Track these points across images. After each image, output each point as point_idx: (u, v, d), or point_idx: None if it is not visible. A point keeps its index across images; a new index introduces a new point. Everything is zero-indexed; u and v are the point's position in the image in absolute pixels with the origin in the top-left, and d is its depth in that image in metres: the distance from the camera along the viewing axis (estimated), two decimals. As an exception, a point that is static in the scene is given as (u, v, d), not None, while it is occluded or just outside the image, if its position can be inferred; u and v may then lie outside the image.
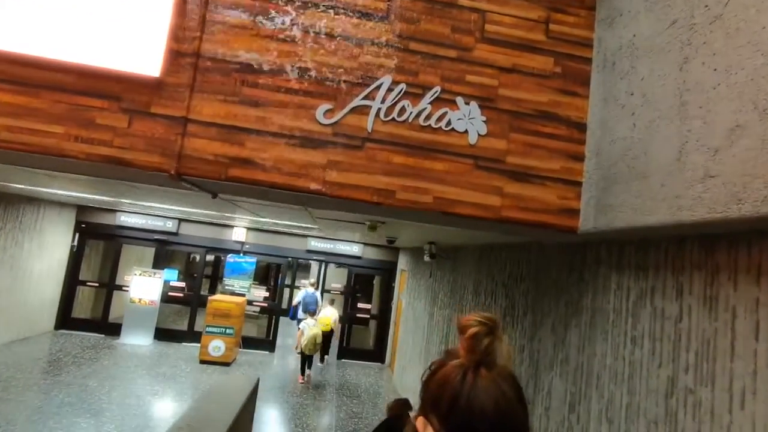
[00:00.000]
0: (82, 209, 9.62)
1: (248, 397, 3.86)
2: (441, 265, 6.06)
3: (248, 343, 9.56)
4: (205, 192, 2.68)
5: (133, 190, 4.30)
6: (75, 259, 9.62)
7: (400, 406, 1.89)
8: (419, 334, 6.97)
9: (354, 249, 10.12)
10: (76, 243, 9.61)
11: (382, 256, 10.35)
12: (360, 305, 10.58)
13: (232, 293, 9.42)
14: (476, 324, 0.89)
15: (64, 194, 5.85)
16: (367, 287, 13.61)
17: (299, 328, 7.66)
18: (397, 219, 2.81)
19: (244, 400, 3.69)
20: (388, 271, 10.41)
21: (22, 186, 5.61)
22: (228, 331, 8.50)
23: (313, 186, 2.17)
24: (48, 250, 8.95)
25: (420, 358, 6.70)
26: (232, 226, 9.84)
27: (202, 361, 8.37)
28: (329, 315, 8.29)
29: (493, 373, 0.83)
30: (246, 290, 9.58)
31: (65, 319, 9.48)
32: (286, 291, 11.88)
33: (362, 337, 13.12)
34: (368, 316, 10.72)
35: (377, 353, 10.17)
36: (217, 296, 9.09)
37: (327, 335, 8.05)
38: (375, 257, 10.35)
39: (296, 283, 12.10)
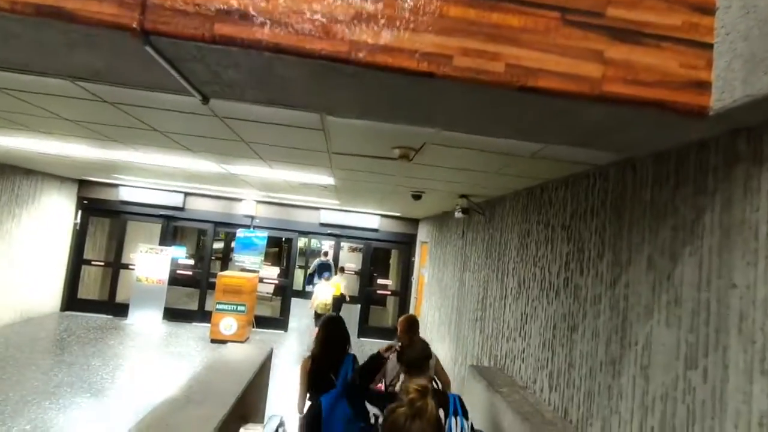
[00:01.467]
0: (83, 184, 9.13)
1: (260, 367, 3.28)
2: (474, 224, 5.39)
3: (261, 323, 9.05)
4: (192, 87, 2.03)
5: (129, 136, 3.70)
6: (79, 237, 9.17)
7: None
8: (447, 305, 6.33)
9: (370, 221, 9.48)
10: (79, 220, 9.14)
11: (401, 228, 9.70)
12: (379, 281, 9.97)
13: (243, 270, 8.89)
14: (414, 391, 1.73)
15: (55, 155, 5.29)
16: (384, 262, 13.00)
17: (313, 292, 8.22)
18: (446, 123, 2.13)
19: (254, 371, 3.11)
20: (407, 245, 9.76)
21: None
22: (240, 308, 7.98)
23: (335, 48, 1.51)
24: (49, 228, 8.49)
25: (449, 329, 6.08)
26: (240, 200, 9.27)
27: (214, 341, 7.88)
28: (339, 281, 8.67)
29: (423, 421, 1.66)
30: (257, 266, 9.04)
31: (71, 300, 9.07)
32: (299, 275, 11.33)
33: (380, 316, 12.58)
34: (388, 293, 10.11)
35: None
36: (227, 272, 8.56)
37: (338, 299, 8.43)
38: (393, 229, 9.70)
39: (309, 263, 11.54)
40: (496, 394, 3.20)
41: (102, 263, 9.43)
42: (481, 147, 2.76)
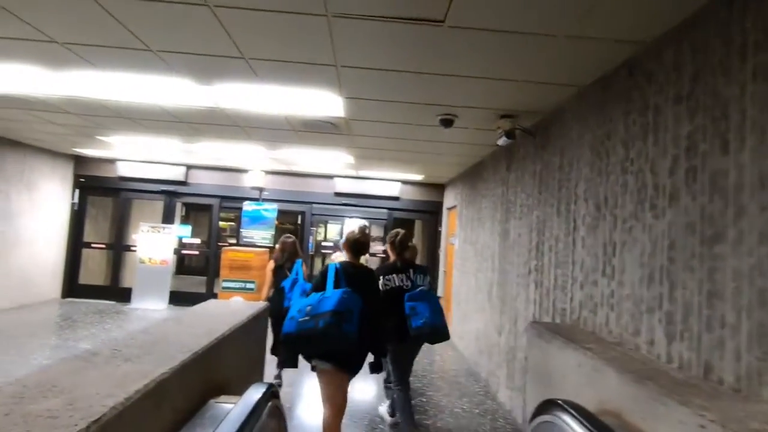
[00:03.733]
0: (79, 162, 8.47)
1: (246, 322, 2.37)
2: (519, 159, 4.36)
3: (275, 303, 8.22)
4: None
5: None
6: (77, 219, 8.52)
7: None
8: (486, 268, 5.33)
9: (390, 188, 8.51)
10: (77, 200, 8.48)
11: (425, 195, 8.70)
12: (401, 255, 8.98)
13: (253, 246, 8.07)
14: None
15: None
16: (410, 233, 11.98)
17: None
18: None
19: (236, 324, 2.20)
20: (432, 214, 8.76)
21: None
22: (249, 285, 7.16)
23: None
24: (43, 208, 7.84)
25: (489, 296, 5.08)
26: (246, 170, 8.45)
27: (221, 322, 7.08)
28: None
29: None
30: (268, 241, 8.20)
31: (72, 286, 8.44)
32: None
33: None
34: (412, 268, 9.12)
35: (425, 310, 8.61)
36: (233, 247, 7.76)
37: None
38: (416, 197, 8.71)
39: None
40: (583, 352, 2.21)
41: (103, 245, 8.76)
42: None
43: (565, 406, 1.87)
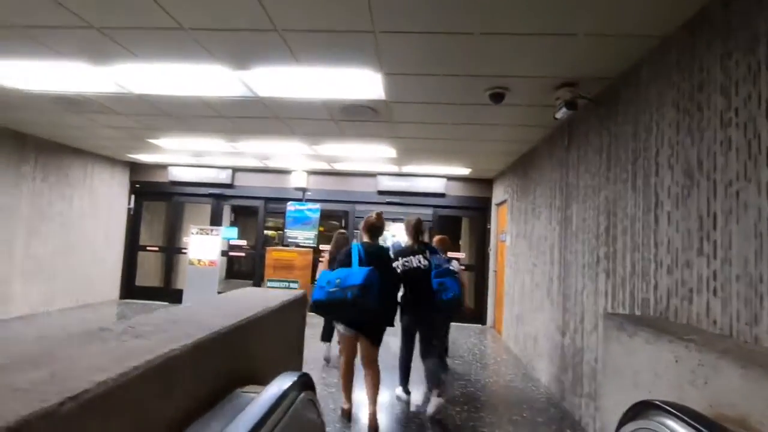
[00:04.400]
0: (135, 168, 8.85)
1: (279, 307, 2.14)
2: (580, 135, 3.91)
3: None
4: None
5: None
6: (133, 223, 8.88)
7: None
8: (543, 262, 4.85)
9: (436, 184, 8.16)
10: (132, 205, 8.85)
11: (472, 191, 8.27)
12: (450, 255, 8.57)
13: (297, 246, 8.00)
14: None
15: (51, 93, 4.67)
16: (453, 234, 11.51)
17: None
18: None
19: (266, 309, 1.98)
20: (480, 210, 8.30)
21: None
22: (292, 285, 7.07)
23: None
24: (103, 212, 8.24)
25: (548, 292, 4.60)
26: (290, 171, 8.44)
27: (266, 322, 7.02)
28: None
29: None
30: (312, 242, 8.11)
31: (129, 288, 8.78)
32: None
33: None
34: (463, 267, 8.68)
35: (476, 312, 8.14)
36: (277, 247, 7.73)
37: None
38: (463, 193, 8.30)
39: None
40: (684, 345, 1.77)
41: (156, 248, 9.07)
42: None
43: (669, 408, 1.47)
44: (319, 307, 3.08)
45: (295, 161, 7.67)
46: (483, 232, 8.27)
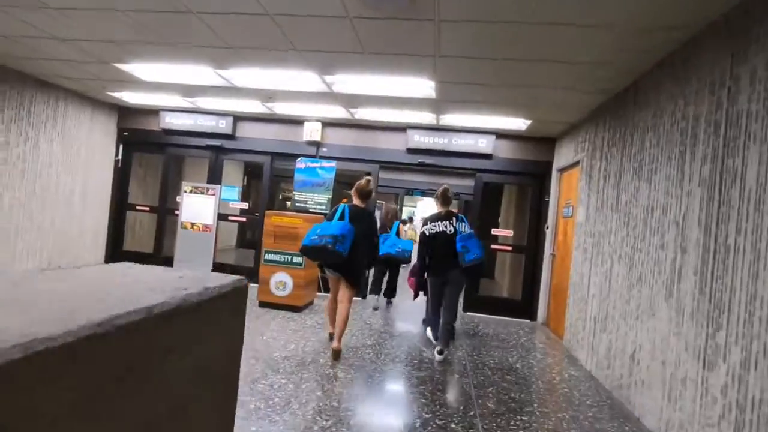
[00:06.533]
0: (124, 114, 7.53)
1: (176, 302, 0.65)
2: (765, 30, 2.17)
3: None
4: None
5: None
6: (121, 177, 7.63)
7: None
8: (658, 245, 3.19)
9: (480, 143, 6.46)
10: (120, 156, 7.58)
11: (527, 152, 6.53)
12: (494, 232, 6.95)
13: (305, 212, 6.55)
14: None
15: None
16: (493, 206, 9.77)
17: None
18: None
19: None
20: (537, 177, 6.58)
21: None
22: (296, 260, 5.64)
23: None
24: (82, 163, 6.99)
25: (670, 291, 2.95)
26: (302, 121, 6.91)
27: (262, 303, 5.67)
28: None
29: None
30: (324, 208, 6.63)
31: (115, 252, 7.62)
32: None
33: (491, 284, 9.62)
34: (508, 248, 7.05)
35: (524, 305, 6.54)
36: (278, 211, 6.31)
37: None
38: (514, 155, 6.58)
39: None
40: None
41: (147, 208, 7.81)
42: None
43: None
44: (304, 252, 3.86)
45: (306, 107, 6.13)
46: (539, 204, 6.56)
